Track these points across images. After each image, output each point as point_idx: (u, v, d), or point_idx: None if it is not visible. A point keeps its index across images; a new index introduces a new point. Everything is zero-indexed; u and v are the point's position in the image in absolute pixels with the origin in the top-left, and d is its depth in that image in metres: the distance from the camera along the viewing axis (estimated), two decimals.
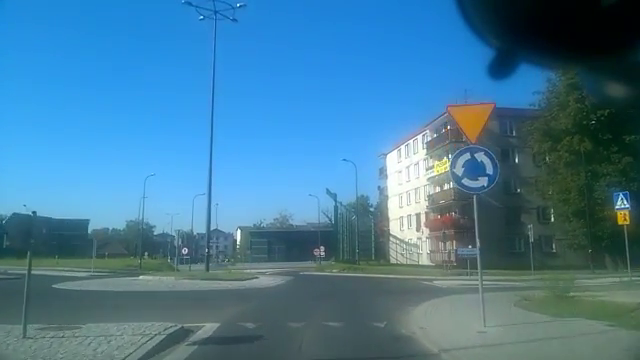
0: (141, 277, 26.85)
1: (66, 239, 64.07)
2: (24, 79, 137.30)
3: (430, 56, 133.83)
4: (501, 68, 0.73)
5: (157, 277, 25.97)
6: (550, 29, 0.64)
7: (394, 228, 56.65)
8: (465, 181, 10.56)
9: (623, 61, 0.71)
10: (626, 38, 0.64)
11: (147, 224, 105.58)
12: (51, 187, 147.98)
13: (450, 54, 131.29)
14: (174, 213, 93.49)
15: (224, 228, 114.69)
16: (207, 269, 29.43)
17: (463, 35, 0.74)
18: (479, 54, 0.78)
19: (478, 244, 10.67)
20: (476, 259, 28.18)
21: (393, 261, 54.78)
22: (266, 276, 33.15)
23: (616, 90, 0.79)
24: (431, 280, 29.15)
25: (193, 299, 16.51)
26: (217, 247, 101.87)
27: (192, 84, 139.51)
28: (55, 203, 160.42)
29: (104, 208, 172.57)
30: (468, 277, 27.54)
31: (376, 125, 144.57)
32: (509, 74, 0.74)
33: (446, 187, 45.17)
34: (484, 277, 27.21)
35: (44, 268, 44.18)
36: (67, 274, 37.20)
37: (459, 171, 10.71)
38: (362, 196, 62.25)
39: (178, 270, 42.90)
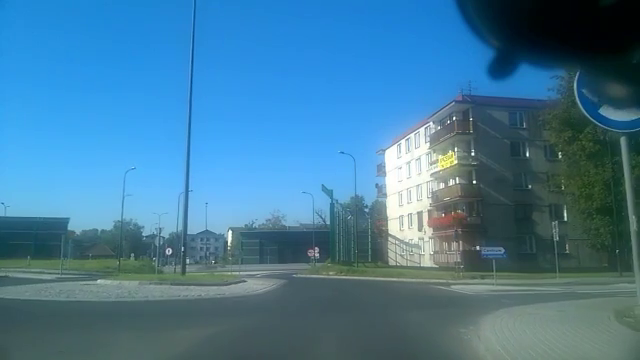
0: (99, 281, 21.47)
1: (43, 239, 58.20)
2: (17, 80, 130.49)
3: (429, 55, 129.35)
4: (501, 68, 0.71)
5: (117, 281, 20.60)
6: (550, 29, 0.63)
7: (393, 228, 51.53)
8: (605, 111, 5.42)
9: (623, 61, 0.67)
10: (626, 38, 0.62)
11: (136, 225, 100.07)
12: (41, 188, 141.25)
13: (449, 53, 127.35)
14: (162, 213, 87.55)
15: (215, 229, 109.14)
16: (183, 272, 24.06)
17: (463, 35, 0.70)
18: (479, 54, 0.73)
19: (634, 224, 5.49)
20: (501, 261, 23.16)
21: (392, 263, 49.65)
22: (255, 279, 27.88)
23: (616, 90, 0.75)
24: (448, 284, 24.18)
25: (140, 315, 11.11)
26: (207, 248, 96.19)
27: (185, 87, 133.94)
28: (45, 204, 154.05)
29: (96, 209, 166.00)
30: (494, 281, 22.38)
31: (372, 127, 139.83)
32: (509, 74, 0.72)
33: (451, 183, 40.19)
34: (499, 281, 22.13)
35: (11, 269, 39.10)
36: (32, 276, 32.61)
37: (594, 94, 5.50)
38: (356, 196, 57.15)
39: (161, 272, 37.69)
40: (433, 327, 9.86)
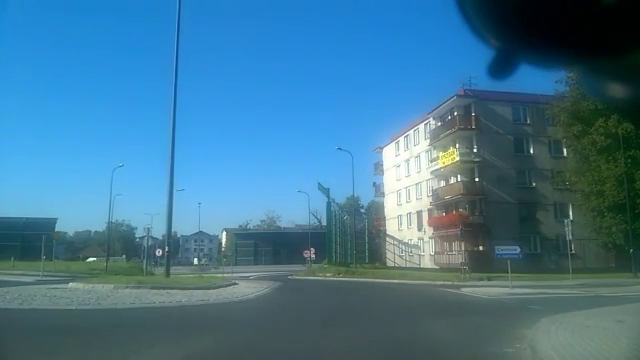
0: (70, 284, 18.92)
1: (30, 239, 55.29)
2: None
3: (428, 55, 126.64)
4: (501, 68, 0.70)
5: (90, 285, 18.06)
6: (550, 29, 0.62)
7: (391, 228, 49.10)
8: None
9: (623, 61, 0.66)
10: (626, 38, 0.62)
11: (128, 226, 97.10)
12: (36, 190, 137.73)
13: (449, 53, 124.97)
14: (155, 214, 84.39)
15: (209, 230, 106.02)
16: (167, 274, 21.56)
17: (463, 35, 0.69)
18: (479, 54, 0.72)
19: None
20: (516, 262, 20.85)
21: (390, 264, 47.21)
22: (248, 281, 25.45)
23: (617, 90, 0.73)
24: (456, 287, 21.96)
25: (89, 330, 8.49)
26: (201, 249, 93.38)
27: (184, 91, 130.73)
28: (40, 206, 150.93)
29: (90, 211, 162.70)
30: (508, 283, 20.04)
31: (369, 127, 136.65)
32: (509, 74, 0.71)
33: (452, 180, 37.87)
34: (514, 283, 19.71)
35: None
36: (10, 279, 30.34)
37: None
38: (353, 196, 54.73)
39: (152, 273, 35.20)
40: (469, 345, 7.50)
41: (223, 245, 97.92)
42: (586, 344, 6.79)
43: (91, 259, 63.13)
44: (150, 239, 40.93)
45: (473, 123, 36.45)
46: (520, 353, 6.78)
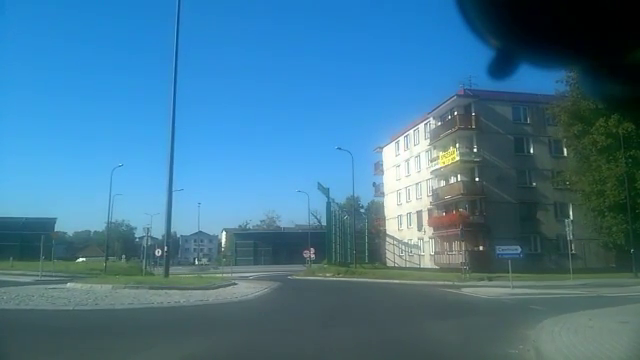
0: (68, 284, 18.85)
1: (30, 239, 55.14)
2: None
3: (427, 55, 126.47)
4: (501, 68, 0.71)
5: (88, 285, 17.96)
6: (550, 29, 0.62)
7: (391, 228, 48.98)
8: None
9: (623, 61, 0.66)
10: (626, 37, 0.62)
11: (128, 226, 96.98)
12: (35, 190, 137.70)
13: (448, 53, 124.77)
14: (154, 213, 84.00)
15: (209, 230, 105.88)
16: (166, 274, 21.45)
17: (463, 35, 0.69)
18: (479, 54, 0.72)
19: None
20: (516, 262, 20.75)
21: (390, 264, 47.10)
22: (247, 282, 25.35)
23: (617, 90, 0.74)
24: (456, 287, 21.85)
25: (81, 331, 8.33)
26: (201, 249, 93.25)
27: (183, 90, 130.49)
28: (39, 206, 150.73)
29: (90, 211, 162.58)
30: (509, 283, 19.94)
31: (368, 127, 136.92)
32: (509, 74, 0.72)
33: (452, 180, 37.76)
34: (514, 283, 19.68)
35: None
36: (9, 279, 30.25)
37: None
38: (353, 196, 54.62)
39: (151, 273, 35.13)
40: (471, 346, 7.39)
41: (223, 245, 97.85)
42: (590, 345, 6.69)
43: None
44: (149, 239, 40.92)
45: (473, 123, 36.35)
46: (524, 354, 6.69)
